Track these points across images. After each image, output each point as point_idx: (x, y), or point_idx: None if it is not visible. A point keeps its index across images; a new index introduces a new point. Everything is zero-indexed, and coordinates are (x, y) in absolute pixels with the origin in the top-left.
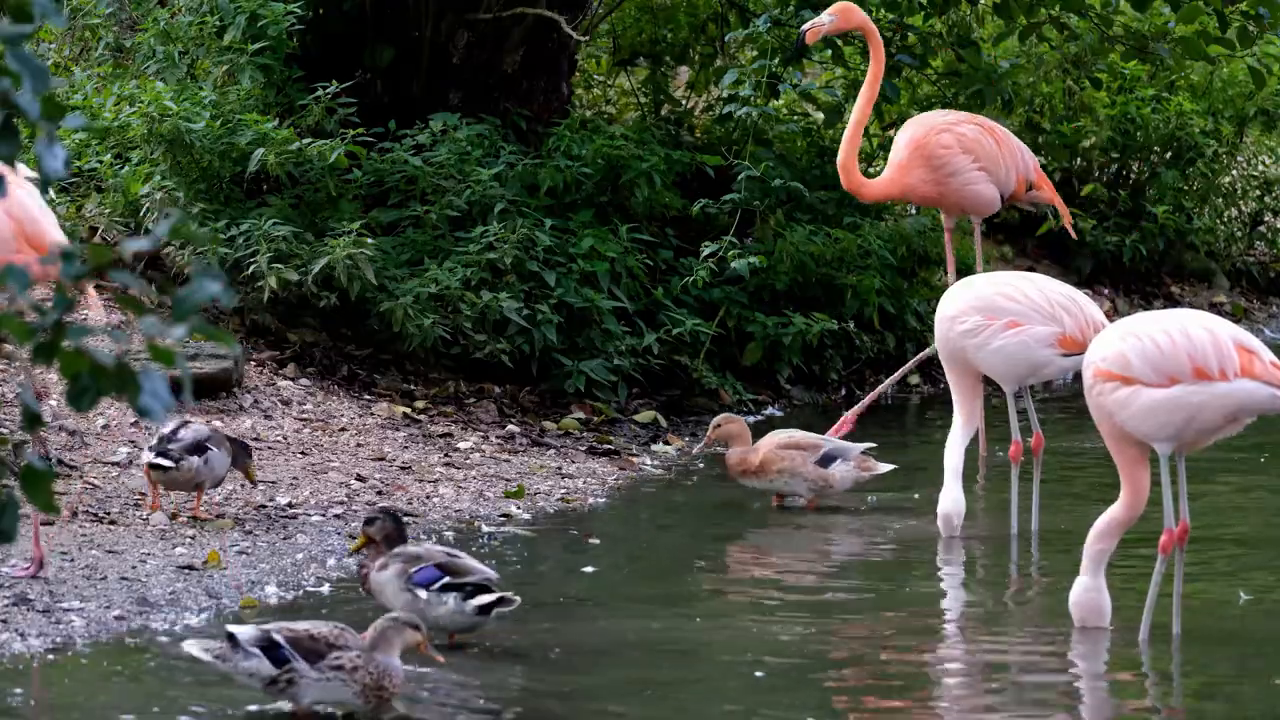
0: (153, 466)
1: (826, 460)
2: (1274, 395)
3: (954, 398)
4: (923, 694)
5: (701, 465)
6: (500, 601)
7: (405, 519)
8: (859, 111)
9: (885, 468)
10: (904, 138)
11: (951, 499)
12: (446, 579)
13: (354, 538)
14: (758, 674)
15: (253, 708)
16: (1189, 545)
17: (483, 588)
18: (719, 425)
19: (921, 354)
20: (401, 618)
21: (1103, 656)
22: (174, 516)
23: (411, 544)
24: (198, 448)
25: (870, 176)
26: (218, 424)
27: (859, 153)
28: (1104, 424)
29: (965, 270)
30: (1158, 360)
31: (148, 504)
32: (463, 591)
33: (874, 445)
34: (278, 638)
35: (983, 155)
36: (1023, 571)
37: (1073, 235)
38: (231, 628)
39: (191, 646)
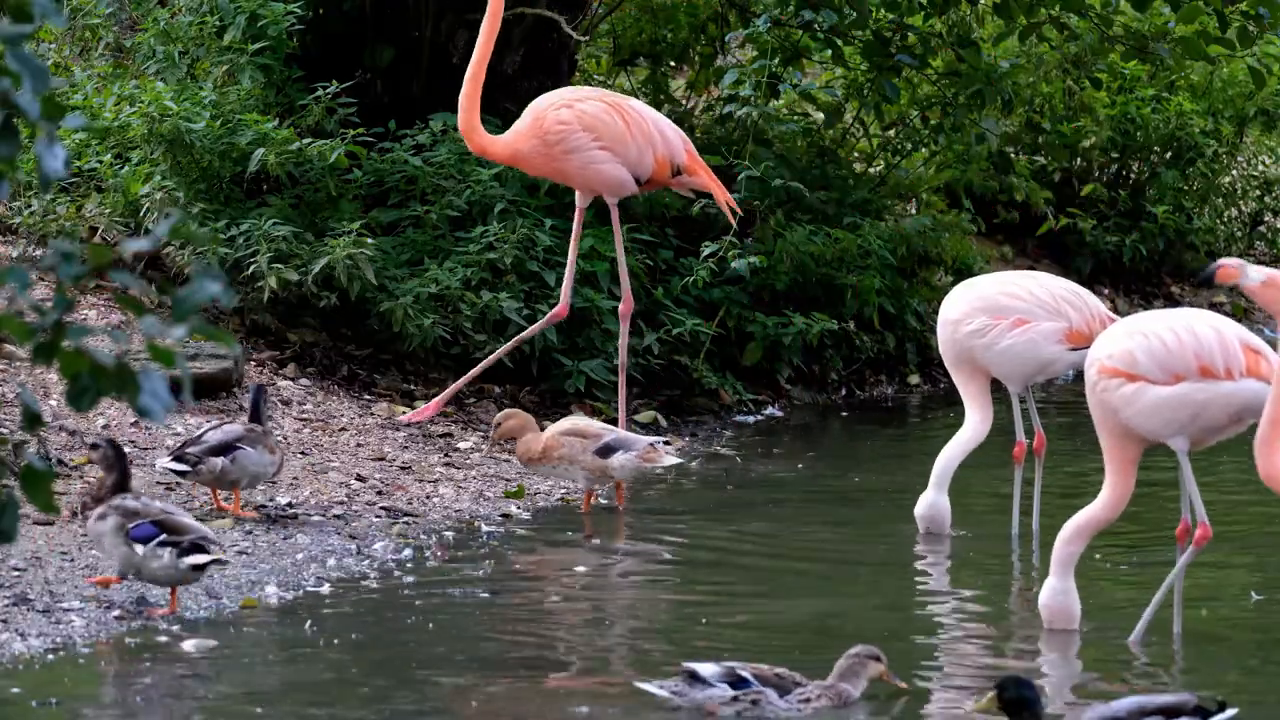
0: (172, 472)
1: (607, 451)
2: None
3: (965, 403)
4: (923, 692)
5: (698, 465)
6: (215, 563)
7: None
8: (480, 48)
9: (672, 460)
10: (530, 106)
11: (928, 503)
12: (164, 535)
13: (354, 538)
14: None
15: (249, 707)
16: (1213, 540)
17: (198, 546)
18: (499, 424)
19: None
20: (864, 651)
21: (1103, 657)
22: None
23: (130, 497)
24: (223, 448)
25: (870, 175)
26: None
27: (862, 150)
28: (1106, 422)
29: (964, 272)
30: (1164, 358)
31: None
32: (178, 548)
33: (666, 440)
34: (743, 672)
35: (606, 134)
36: (1023, 571)
37: (732, 222)
38: (691, 664)
39: (647, 685)
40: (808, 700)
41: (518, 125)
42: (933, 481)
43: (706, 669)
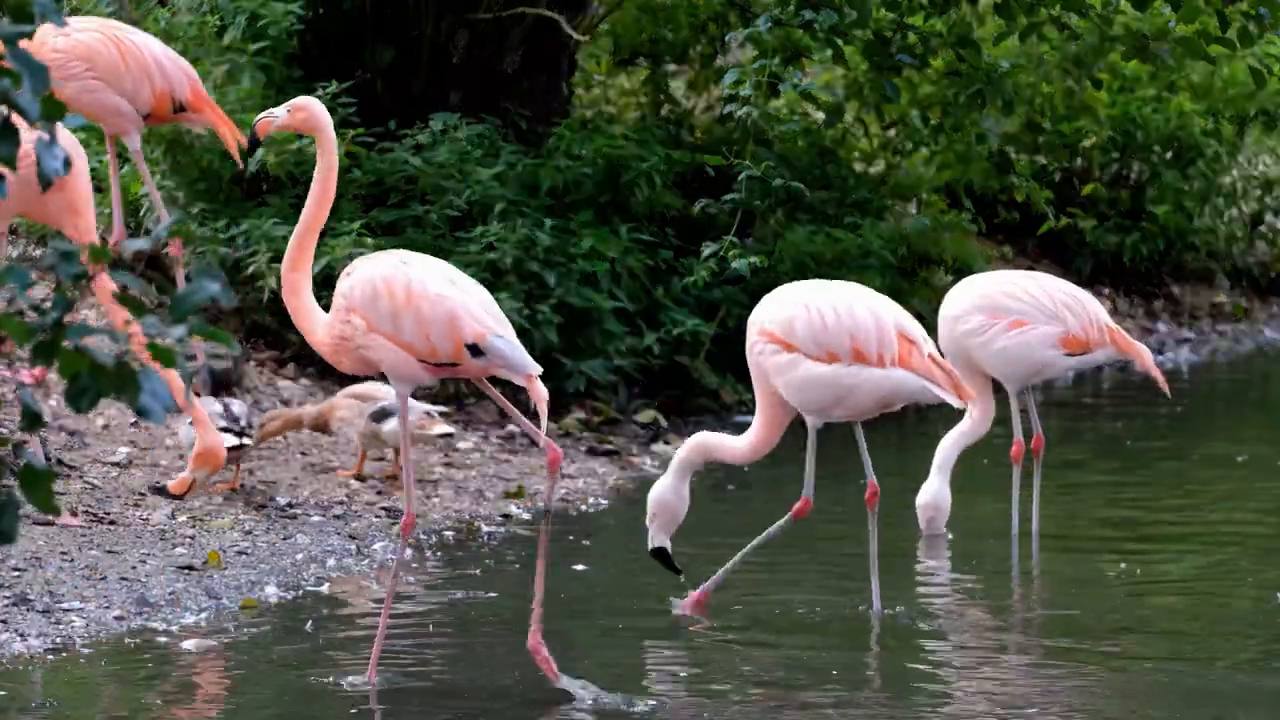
0: (237, 446)
1: (381, 415)
2: (925, 387)
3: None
4: (924, 692)
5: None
6: None
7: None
8: None
9: (444, 429)
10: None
11: (932, 492)
12: None
13: (354, 538)
14: (745, 671)
15: (249, 707)
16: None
17: None
18: (264, 425)
19: None
20: None
21: (1105, 657)
22: (173, 516)
23: None
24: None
25: (870, 175)
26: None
27: (862, 150)
28: (760, 381)
29: (964, 272)
30: (821, 335)
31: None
32: None
33: (444, 409)
34: None
35: (99, 64)
36: (1023, 570)
37: (238, 161)
38: None
39: None
40: None
41: None
42: (935, 470)
43: None
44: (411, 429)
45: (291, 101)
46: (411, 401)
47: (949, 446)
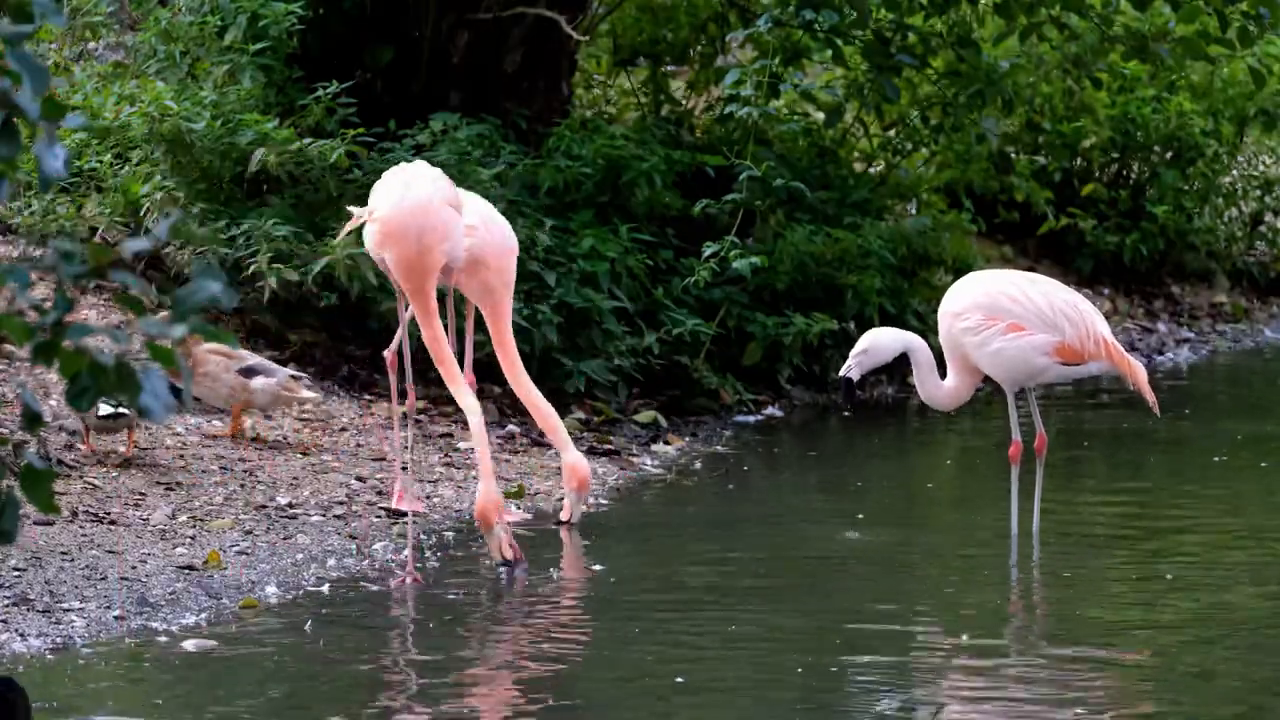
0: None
1: (249, 372)
2: None
3: (948, 370)
4: (923, 693)
5: (700, 465)
6: None
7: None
8: None
9: (309, 395)
10: None
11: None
12: None
13: (354, 538)
14: (751, 674)
15: (249, 707)
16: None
17: None
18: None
19: None
20: None
21: (1104, 657)
22: (174, 516)
23: None
24: None
25: (870, 175)
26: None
27: (862, 150)
28: None
29: (964, 272)
30: None
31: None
32: None
33: (302, 376)
34: None
35: None
36: (1023, 570)
37: None
38: None
39: None
40: None
41: None
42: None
43: None
44: (277, 391)
45: None
46: (275, 365)
47: (923, 371)
